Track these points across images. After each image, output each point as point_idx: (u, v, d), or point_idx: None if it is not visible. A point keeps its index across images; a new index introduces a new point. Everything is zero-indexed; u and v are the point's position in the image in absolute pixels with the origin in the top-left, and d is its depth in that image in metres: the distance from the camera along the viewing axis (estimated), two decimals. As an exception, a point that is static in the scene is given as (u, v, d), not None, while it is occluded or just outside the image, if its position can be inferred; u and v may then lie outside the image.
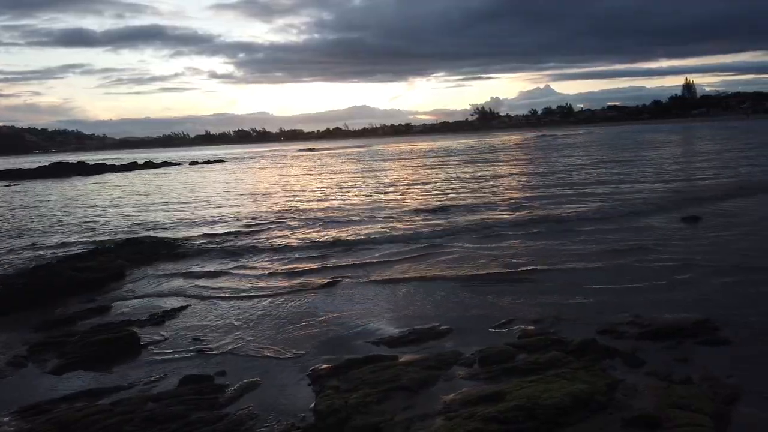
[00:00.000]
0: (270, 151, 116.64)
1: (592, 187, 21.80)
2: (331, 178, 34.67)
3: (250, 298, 9.30)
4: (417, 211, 17.77)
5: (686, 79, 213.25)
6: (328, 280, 10.04)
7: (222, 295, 9.56)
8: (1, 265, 12.80)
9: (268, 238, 14.54)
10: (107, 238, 15.88)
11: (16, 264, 12.84)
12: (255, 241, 14.33)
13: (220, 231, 16.04)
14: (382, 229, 14.88)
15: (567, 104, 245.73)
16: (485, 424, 4.54)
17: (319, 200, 23.07)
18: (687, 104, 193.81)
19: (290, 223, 16.82)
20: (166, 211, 22.10)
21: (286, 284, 10.01)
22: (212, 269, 11.42)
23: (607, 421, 4.59)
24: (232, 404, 5.59)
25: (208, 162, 74.30)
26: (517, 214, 16.17)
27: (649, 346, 6.29)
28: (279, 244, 13.62)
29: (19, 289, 9.75)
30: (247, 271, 11.09)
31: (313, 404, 5.38)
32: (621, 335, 6.68)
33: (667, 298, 8.03)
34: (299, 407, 5.43)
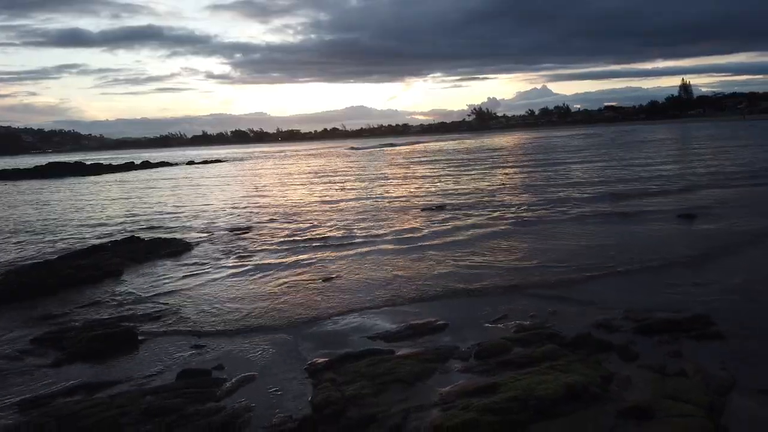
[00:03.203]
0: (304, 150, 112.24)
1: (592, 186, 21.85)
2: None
3: (248, 294, 9.32)
4: (422, 209, 17.84)
5: (683, 79, 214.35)
6: (325, 276, 10.07)
7: (219, 291, 9.58)
8: (0, 263, 12.83)
9: (266, 236, 14.58)
10: (104, 236, 15.90)
11: (15, 261, 12.86)
12: (253, 238, 14.37)
13: (218, 229, 16.07)
14: (392, 228, 14.94)
15: (564, 105, 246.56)
16: (481, 415, 4.58)
17: (329, 197, 23.13)
18: (684, 105, 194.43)
19: (292, 222, 16.82)
20: (164, 210, 22.11)
21: (284, 280, 10.04)
22: (209, 266, 11.45)
23: (601, 411, 4.64)
24: (229, 397, 5.62)
25: (205, 162, 74.27)
26: (525, 212, 16.28)
27: (643, 341, 6.35)
28: (278, 243, 13.65)
29: (17, 285, 9.79)
30: (245, 268, 11.11)
31: (310, 397, 5.41)
32: (616, 329, 6.73)
33: (662, 293, 8.09)
34: (296, 400, 5.46)
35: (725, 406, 4.78)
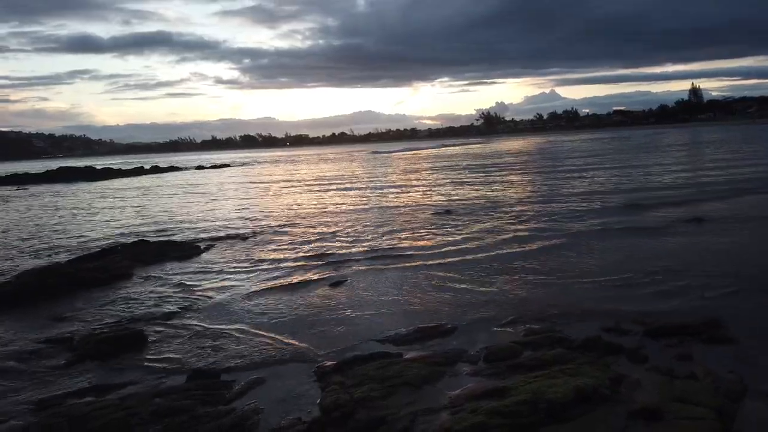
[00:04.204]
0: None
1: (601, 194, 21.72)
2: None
3: (257, 297, 9.35)
4: (430, 215, 17.85)
5: (692, 83, 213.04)
6: (335, 281, 10.09)
7: (228, 294, 9.61)
8: (11, 265, 12.92)
9: (275, 240, 14.62)
10: (114, 239, 15.99)
11: (26, 264, 12.95)
12: (262, 243, 14.41)
13: (227, 233, 16.13)
14: (406, 238, 14.95)
15: (573, 109, 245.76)
16: (489, 418, 4.57)
17: (347, 203, 23.19)
18: (694, 109, 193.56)
19: (302, 228, 16.86)
20: (174, 214, 22.23)
21: (293, 284, 10.06)
22: (218, 269, 11.49)
23: (611, 413, 4.61)
24: (239, 399, 5.64)
25: (214, 166, 74.62)
26: (529, 221, 16.16)
27: (653, 344, 6.32)
28: (287, 246, 13.68)
29: (27, 288, 9.87)
30: (254, 272, 11.14)
31: (318, 399, 5.42)
32: (625, 333, 6.70)
33: (672, 297, 8.05)
34: (305, 402, 5.47)
35: (736, 410, 4.74)
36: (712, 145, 50.56)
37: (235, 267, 11.69)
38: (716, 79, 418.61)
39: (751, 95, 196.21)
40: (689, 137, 75.71)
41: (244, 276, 10.86)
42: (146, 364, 6.75)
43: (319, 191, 29.37)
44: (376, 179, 35.62)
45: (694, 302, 7.78)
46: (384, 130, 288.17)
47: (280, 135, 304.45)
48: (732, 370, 5.47)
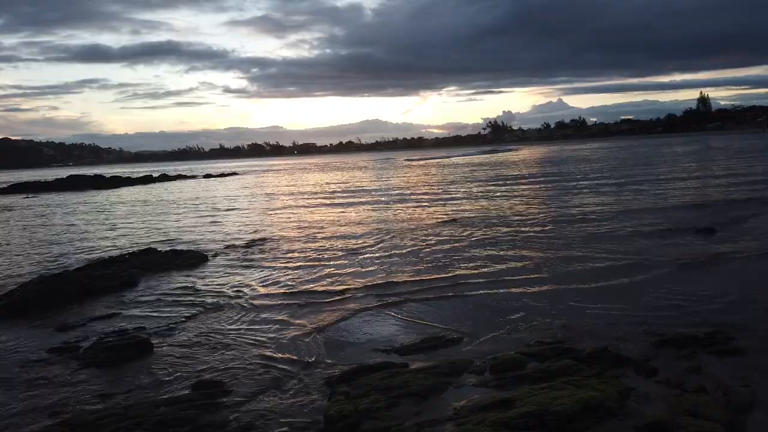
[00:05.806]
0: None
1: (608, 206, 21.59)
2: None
3: (262, 306, 9.33)
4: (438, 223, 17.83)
5: (701, 92, 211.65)
6: (340, 289, 10.07)
7: (234, 303, 9.60)
8: (20, 273, 12.99)
9: (282, 250, 14.62)
10: (122, 248, 16.05)
11: (34, 272, 13.01)
12: (269, 252, 14.42)
13: (234, 243, 16.15)
14: (403, 240, 14.94)
15: (580, 118, 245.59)
16: (495, 430, 4.52)
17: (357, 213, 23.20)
18: (702, 117, 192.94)
19: (312, 239, 16.86)
20: (181, 223, 22.33)
21: (299, 294, 10.04)
22: (225, 279, 11.50)
23: (618, 427, 4.55)
24: (242, 409, 5.61)
25: (222, 175, 74.94)
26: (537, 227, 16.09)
27: (661, 356, 6.25)
28: (294, 258, 13.64)
29: (35, 296, 9.90)
30: (260, 281, 11.14)
31: (323, 410, 5.38)
32: (633, 344, 6.63)
33: (680, 308, 7.97)
34: (309, 413, 5.44)
35: (746, 423, 4.68)
36: (735, 156, 48.63)
37: (241, 277, 11.69)
38: (724, 88, 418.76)
39: (760, 104, 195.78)
40: (703, 147, 74.87)
41: (251, 285, 10.85)
42: (151, 372, 6.74)
43: (339, 203, 28.71)
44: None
45: (709, 317, 7.59)
46: (391, 139, 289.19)
47: (287, 144, 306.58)
48: (743, 381, 5.40)
